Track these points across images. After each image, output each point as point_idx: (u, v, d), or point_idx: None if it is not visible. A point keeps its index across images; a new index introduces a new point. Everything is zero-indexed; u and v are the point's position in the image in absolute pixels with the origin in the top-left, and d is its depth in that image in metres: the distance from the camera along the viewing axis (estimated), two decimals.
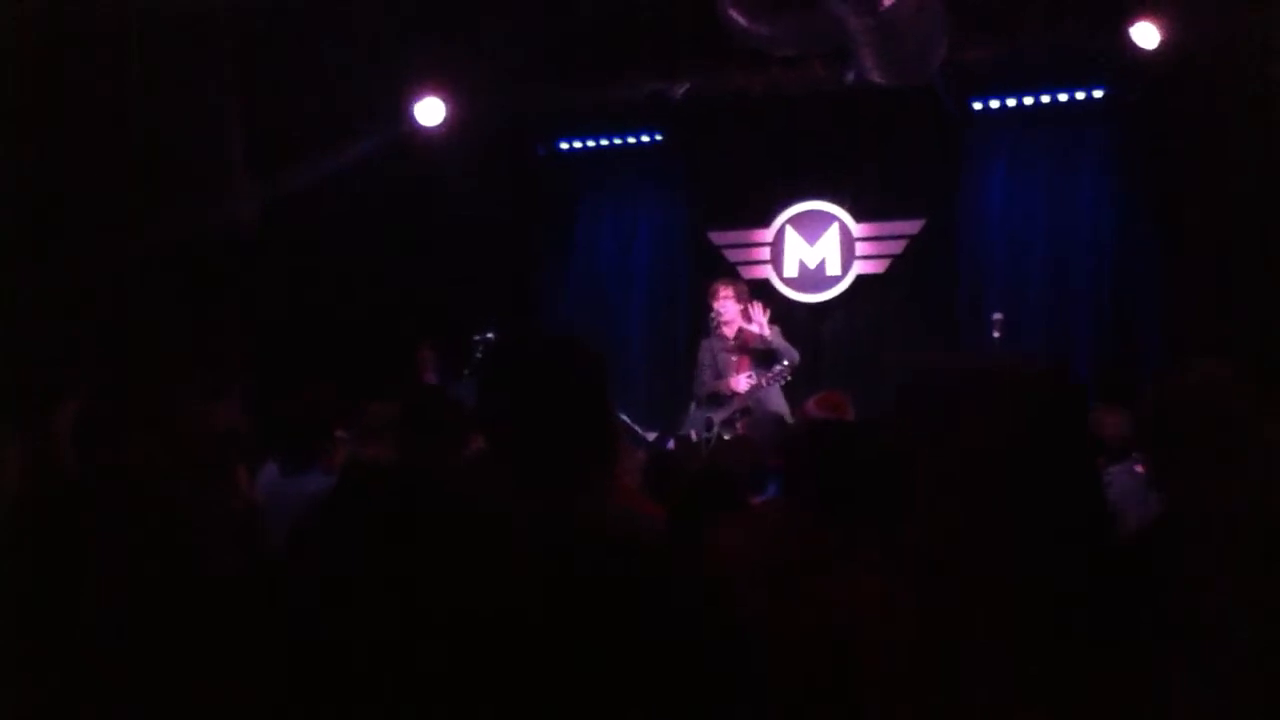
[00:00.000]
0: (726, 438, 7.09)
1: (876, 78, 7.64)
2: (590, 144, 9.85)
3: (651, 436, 7.48)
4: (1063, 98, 8.57)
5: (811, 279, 9.42)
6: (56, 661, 1.70)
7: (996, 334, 7.30)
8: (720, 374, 7.67)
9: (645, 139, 9.64)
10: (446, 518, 1.63)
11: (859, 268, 9.32)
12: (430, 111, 8.56)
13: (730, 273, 8.87)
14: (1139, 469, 4.25)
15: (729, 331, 7.69)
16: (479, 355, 7.43)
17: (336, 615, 1.58)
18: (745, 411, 7.37)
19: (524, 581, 1.56)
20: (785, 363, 7.43)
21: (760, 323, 7.54)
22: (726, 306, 7.69)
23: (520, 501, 1.74)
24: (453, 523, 1.62)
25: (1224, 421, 1.83)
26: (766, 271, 9.50)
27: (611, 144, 9.80)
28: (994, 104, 8.69)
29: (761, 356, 7.55)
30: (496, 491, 1.80)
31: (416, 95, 8.50)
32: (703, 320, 7.96)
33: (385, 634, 1.54)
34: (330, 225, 8.12)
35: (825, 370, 8.56)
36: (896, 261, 9.20)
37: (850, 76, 7.89)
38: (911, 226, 9.15)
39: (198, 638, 1.71)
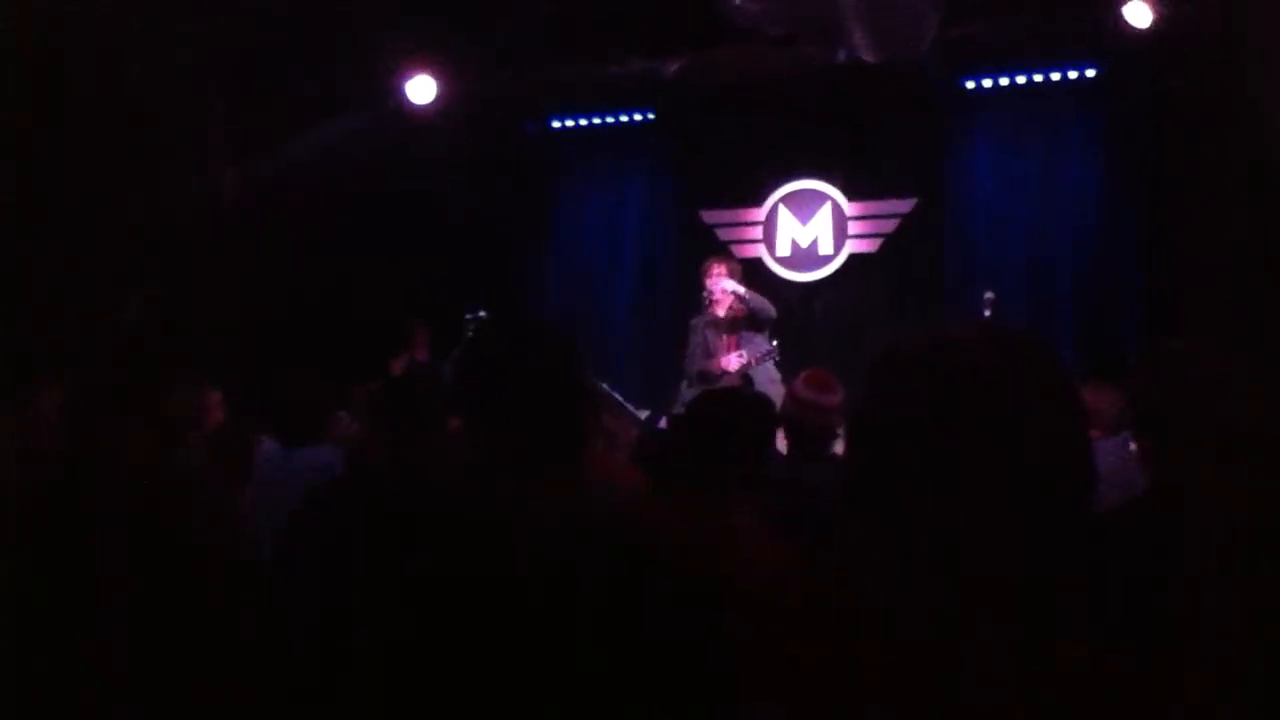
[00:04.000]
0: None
1: (867, 56, 7.62)
2: (581, 122, 9.83)
3: (644, 415, 7.49)
4: (1054, 76, 8.57)
5: (804, 258, 9.42)
6: (52, 653, 1.70)
7: (988, 313, 7.30)
8: (710, 353, 7.67)
9: (637, 117, 9.63)
10: (426, 512, 1.64)
11: (851, 247, 9.32)
12: (421, 89, 8.52)
13: (722, 252, 8.86)
14: (1132, 446, 4.26)
15: (720, 310, 7.69)
16: (470, 333, 7.43)
17: (331, 611, 1.59)
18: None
19: (487, 570, 1.56)
20: (774, 343, 7.44)
21: (728, 288, 7.56)
22: (719, 284, 7.69)
23: (484, 487, 1.74)
24: (430, 516, 1.62)
25: (1216, 404, 1.81)
26: (759, 250, 9.49)
27: (603, 122, 9.79)
28: (986, 83, 8.69)
29: (748, 325, 7.56)
30: (465, 478, 1.80)
31: (407, 73, 8.46)
32: (694, 298, 7.96)
33: (374, 626, 1.55)
34: (320, 204, 8.09)
35: (817, 349, 8.55)
36: (889, 240, 9.20)
37: (842, 55, 7.87)
38: (904, 205, 9.15)
39: (194, 627, 1.72)
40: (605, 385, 7.09)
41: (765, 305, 7.60)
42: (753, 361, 7.41)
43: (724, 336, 7.64)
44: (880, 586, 1.47)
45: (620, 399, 7.20)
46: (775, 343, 7.45)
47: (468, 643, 1.55)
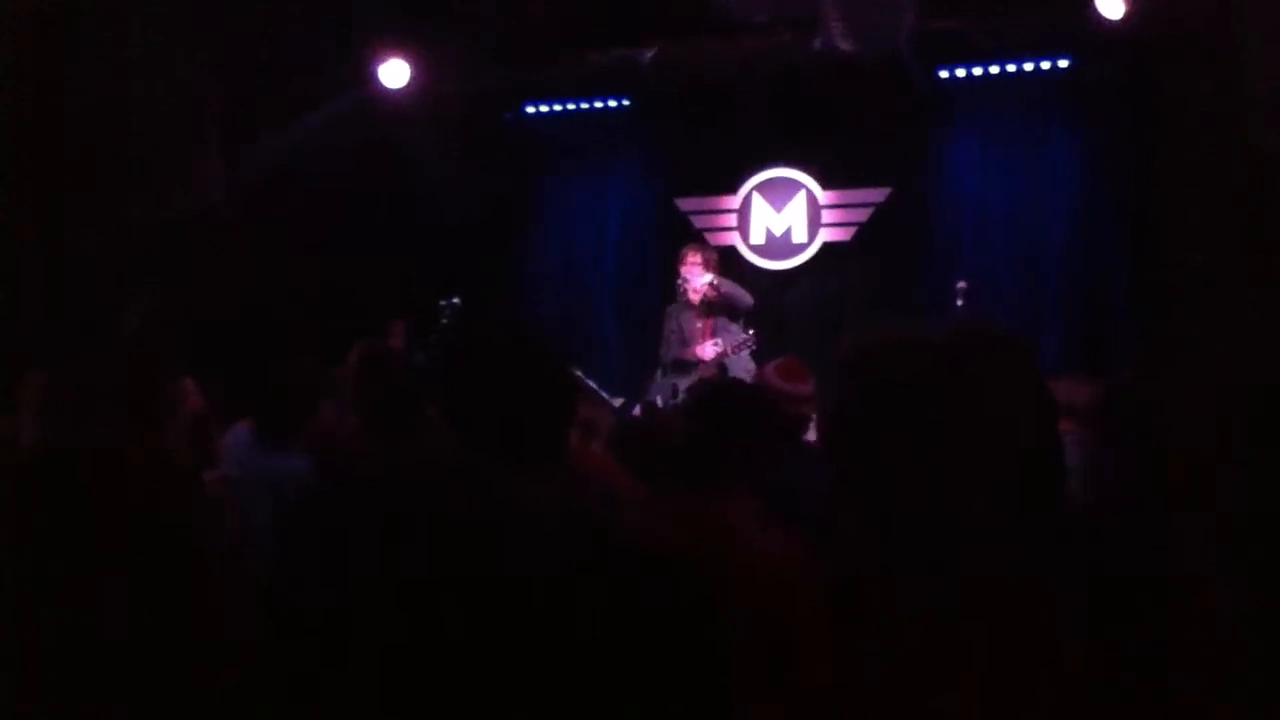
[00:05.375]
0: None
1: (844, 45, 7.63)
2: (557, 109, 9.80)
3: (618, 403, 7.50)
4: (1029, 68, 8.60)
5: (778, 246, 9.43)
6: (49, 650, 1.69)
7: (960, 302, 7.34)
8: (686, 341, 7.68)
9: (613, 104, 9.60)
10: (421, 512, 1.63)
11: (825, 235, 9.34)
12: (394, 73, 8.48)
13: (697, 239, 8.87)
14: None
15: (695, 298, 7.69)
16: (445, 321, 7.41)
17: (326, 612, 1.59)
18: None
19: (483, 570, 1.56)
20: (750, 332, 7.46)
21: (705, 283, 7.59)
22: (694, 272, 7.70)
23: (478, 485, 1.74)
24: (424, 515, 1.62)
25: (1212, 401, 1.82)
26: (733, 239, 9.50)
27: (579, 109, 9.75)
28: (960, 73, 8.71)
29: (723, 311, 7.58)
30: (458, 476, 1.79)
31: (381, 58, 8.43)
32: (670, 286, 7.96)
33: (369, 628, 1.55)
34: (302, 195, 8.04)
35: (790, 338, 8.58)
36: (863, 230, 9.22)
37: (818, 44, 7.88)
38: (878, 195, 9.17)
39: (191, 627, 1.71)
40: (580, 372, 7.09)
41: (740, 294, 7.62)
42: (729, 350, 7.43)
43: (699, 325, 7.66)
44: (876, 586, 1.48)
45: (595, 386, 7.20)
46: (752, 332, 7.47)
47: (464, 643, 1.55)
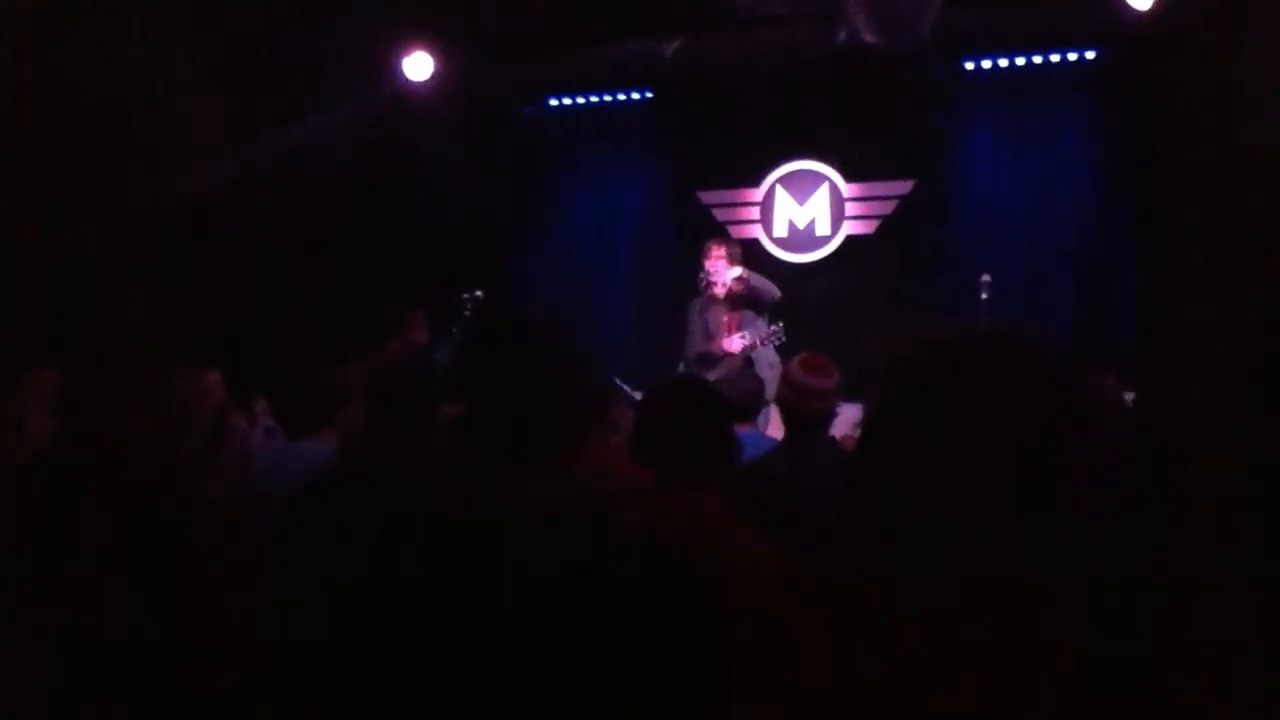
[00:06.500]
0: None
1: (868, 38, 7.60)
2: (579, 102, 9.81)
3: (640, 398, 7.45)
4: (1054, 59, 8.55)
5: (801, 239, 9.41)
6: (48, 643, 1.71)
7: (984, 295, 7.30)
8: (711, 335, 7.66)
9: (635, 97, 9.60)
10: (420, 511, 1.64)
11: (849, 228, 9.30)
12: (419, 66, 8.50)
13: (720, 233, 8.84)
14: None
15: (719, 292, 7.67)
16: (467, 314, 7.42)
17: (324, 609, 1.60)
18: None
19: (480, 570, 1.57)
20: (779, 325, 7.44)
21: (733, 277, 7.56)
22: (718, 266, 7.67)
23: (479, 485, 1.74)
24: (424, 515, 1.62)
25: (1217, 407, 1.81)
26: (756, 231, 9.48)
27: (601, 102, 9.76)
28: (985, 64, 8.67)
29: (748, 304, 7.55)
30: (460, 476, 1.79)
31: (404, 51, 8.45)
32: (693, 280, 7.94)
33: (366, 626, 1.55)
34: (317, 185, 8.07)
35: (813, 331, 8.55)
36: (886, 222, 9.19)
37: (841, 37, 7.85)
38: (901, 187, 9.13)
39: (188, 623, 1.73)
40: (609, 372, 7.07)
41: (769, 286, 7.59)
42: (757, 343, 7.40)
43: (724, 318, 7.63)
44: (879, 585, 1.47)
45: (620, 383, 7.19)
46: (781, 324, 7.44)
47: (464, 643, 1.55)
